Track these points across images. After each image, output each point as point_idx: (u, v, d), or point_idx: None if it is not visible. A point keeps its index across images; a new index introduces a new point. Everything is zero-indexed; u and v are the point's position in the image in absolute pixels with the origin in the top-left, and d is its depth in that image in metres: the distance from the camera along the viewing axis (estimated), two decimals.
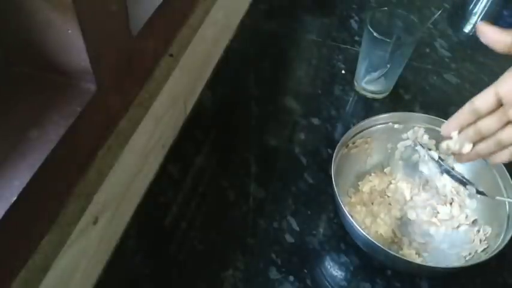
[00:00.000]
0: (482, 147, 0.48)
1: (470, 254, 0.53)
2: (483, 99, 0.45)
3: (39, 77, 0.38)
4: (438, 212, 0.59)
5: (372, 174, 0.62)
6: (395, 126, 0.61)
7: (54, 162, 0.35)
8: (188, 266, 0.55)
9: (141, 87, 0.48)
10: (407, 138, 0.62)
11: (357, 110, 0.72)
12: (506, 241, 0.49)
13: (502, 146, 0.46)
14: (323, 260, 0.56)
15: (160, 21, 0.48)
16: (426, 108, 0.71)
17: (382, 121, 0.60)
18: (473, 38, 0.85)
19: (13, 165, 0.33)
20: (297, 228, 0.58)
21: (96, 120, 0.40)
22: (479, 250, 0.53)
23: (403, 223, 0.59)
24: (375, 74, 0.69)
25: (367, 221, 0.57)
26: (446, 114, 0.58)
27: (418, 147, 0.59)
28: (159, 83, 0.50)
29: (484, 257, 0.49)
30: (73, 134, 0.36)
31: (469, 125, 0.47)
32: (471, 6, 0.92)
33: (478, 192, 0.55)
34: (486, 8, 0.90)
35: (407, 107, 0.71)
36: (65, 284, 0.40)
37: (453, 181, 0.60)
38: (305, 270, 0.55)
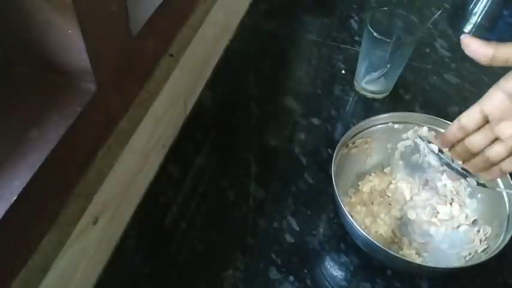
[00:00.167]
0: (472, 164, 0.48)
1: (470, 254, 0.53)
2: (469, 117, 0.46)
3: (39, 77, 0.38)
4: (438, 212, 0.59)
5: (372, 174, 0.62)
6: (395, 126, 0.61)
7: (54, 162, 0.35)
8: (188, 266, 0.55)
9: (141, 87, 0.48)
10: (407, 138, 0.62)
11: (357, 110, 0.72)
12: (506, 241, 0.49)
13: (490, 163, 0.47)
14: (323, 260, 0.56)
15: (160, 21, 0.48)
16: (426, 108, 0.71)
17: (382, 121, 0.60)
18: None
19: (13, 165, 0.33)
20: (297, 228, 0.58)
21: (96, 120, 0.40)
22: (479, 250, 0.52)
23: (403, 223, 0.59)
24: (375, 74, 0.69)
25: (367, 221, 0.57)
26: (446, 114, 0.59)
27: (418, 140, 0.59)
28: (159, 83, 0.50)
29: (484, 257, 0.49)
30: (73, 134, 0.36)
31: (458, 142, 0.48)
32: (471, 6, 0.92)
33: (479, 184, 0.55)
34: (486, 8, 0.90)
35: (407, 107, 0.71)
36: (65, 284, 0.40)
37: (453, 180, 0.59)
38: (305, 270, 0.55)
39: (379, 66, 0.68)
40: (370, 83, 0.71)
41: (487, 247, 0.52)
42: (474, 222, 0.57)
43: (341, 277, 0.55)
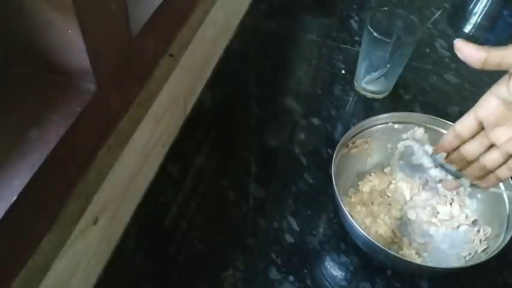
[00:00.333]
0: (468, 172, 0.48)
1: (470, 254, 0.53)
2: (464, 124, 0.46)
3: (39, 77, 0.38)
4: (438, 212, 0.59)
5: (372, 174, 0.62)
6: (395, 126, 0.61)
7: (54, 162, 0.35)
8: (188, 266, 0.55)
9: (141, 87, 0.48)
10: (407, 138, 0.61)
11: (357, 110, 0.72)
12: (506, 241, 0.49)
13: (486, 171, 0.47)
14: (323, 260, 0.56)
15: (160, 21, 0.48)
16: (426, 108, 0.71)
17: (382, 121, 0.60)
18: (474, 38, 0.85)
19: (13, 165, 0.33)
20: (297, 228, 0.58)
21: (96, 120, 0.40)
22: (479, 250, 0.53)
23: (403, 223, 0.59)
24: (375, 74, 0.69)
25: (367, 221, 0.57)
26: (446, 114, 0.59)
27: (412, 143, 0.59)
28: (159, 83, 0.50)
29: (484, 257, 0.49)
30: (73, 134, 0.36)
31: (454, 150, 0.48)
32: (471, 6, 0.92)
33: (473, 185, 0.55)
34: (486, 8, 0.90)
35: (407, 107, 0.71)
36: (65, 284, 0.40)
37: (448, 189, 0.59)
38: (305, 270, 0.55)
39: (379, 66, 0.68)
40: (370, 83, 0.71)
41: (487, 247, 0.52)
42: (474, 222, 0.57)
43: (341, 277, 0.55)
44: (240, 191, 0.61)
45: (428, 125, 0.60)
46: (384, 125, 0.61)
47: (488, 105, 0.43)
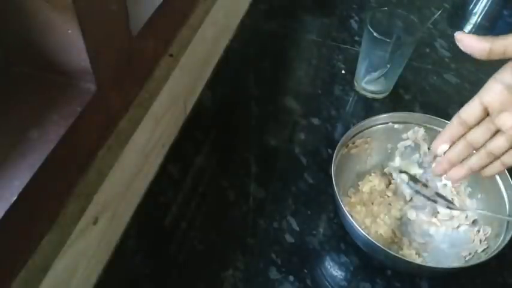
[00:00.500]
0: (474, 160, 0.48)
1: (470, 254, 0.53)
2: (469, 111, 0.45)
3: (39, 77, 0.38)
4: (438, 212, 0.59)
5: (372, 174, 0.62)
6: (395, 126, 0.61)
7: (54, 162, 0.35)
8: (188, 266, 0.55)
9: (141, 87, 0.48)
10: (407, 138, 0.62)
11: (357, 110, 0.72)
12: (506, 241, 0.49)
13: (493, 157, 0.46)
14: (323, 260, 0.56)
15: (160, 21, 0.48)
16: (426, 108, 0.71)
17: (382, 121, 0.60)
18: None
19: (13, 165, 0.33)
20: (297, 228, 0.58)
21: (96, 120, 0.40)
22: (479, 250, 0.53)
23: (403, 223, 0.59)
24: (375, 74, 0.69)
25: (367, 221, 0.57)
26: (446, 114, 0.58)
27: (391, 170, 0.60)
28: (159, 83, 0.50)
29: (484, 257, 0.49)
30: (73, 134, 0.36)
31: (459, 138, 0.48)
32: (471, 6, 0.92)
33: (449, 207, 0.57)
34: (486, 8, 0.90)
35: (407, 107, 0.71)
36: (65, 284, 0.40)
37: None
38: (305, 270, 0.55)
39: (379, 66, 0.68)
40: (370, 83, 0.71)
41: (487, 247, 0.52)
42: (474, 222, 0.57)
43: (341, 277, 0.55)
44: (240, 191, 0.61)
45: (428, 125, 0.60)
46: (383, 125, 0.61)
47: (492, 91, 0.43)
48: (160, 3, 0.47)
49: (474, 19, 0.89)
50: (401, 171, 0.60)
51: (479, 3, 0.91)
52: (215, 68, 0.68)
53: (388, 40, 0.63)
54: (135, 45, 0.44)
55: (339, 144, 0.56)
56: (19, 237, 0.34)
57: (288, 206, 0.60)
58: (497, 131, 0.45)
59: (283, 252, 0.56)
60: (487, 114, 0.45)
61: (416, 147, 0.62)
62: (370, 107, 0.72)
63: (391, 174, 0.63)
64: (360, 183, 0.61)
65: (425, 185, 0.59)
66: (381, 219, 0.58)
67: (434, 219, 0.59)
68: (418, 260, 0.54)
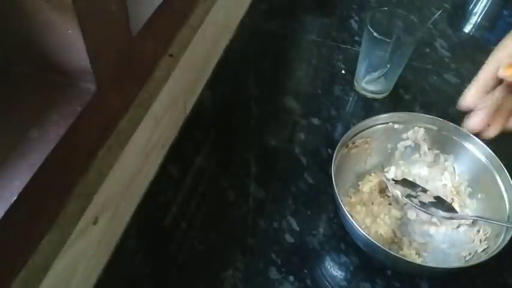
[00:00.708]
0: (496, 122, 0.48)
1: (470, 254, 0.53)
2: (487, 71, 0.46)
3: (39, 77, 0.38)
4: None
5: (372, 174, 0.62)
6: (395, 126, 0.61)
7: (54, 162, 0.35)
8: (188, 266, 0.55)
9: (141, 87, 0.48)
10: (407, 138, 0.62)
11: (357, 110, 0.72)
12: (506, 241, 0.49)
13: None
14: (323, 260, 0.56)
15: (160, 21, 0.48)
16: (426, 108, 0.71)
17: (382, 121, 0.60)
18: (473, 38, 0.85)
19: (13, 165, 0.33)
20: (297, 228, 0.58)
21: (96, 120, 0.40)
22: (479, 250, 0.53)
23: (403, 223, 0.59)
24: (375, 74, 0.69)
25: (367, 221, 0.57)
26: (446, 114, 0.59)
27: (390, 187, 0.60)
28: (159, 83, 0.50)
29: (484, 257, 0.49)
30: (73, 134, 0.36)
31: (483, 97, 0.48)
32: (471, 6, 0.92)
33: (444, 217, 0.57)
34: (486, 8, 0.90)
35: (407, 107, 0.71)
36: (65, 284, 0.40)
37: (453, 181, 0.60)
38: (305, 270, 0.55)
39: (379, 66, 0.68)
40: (370, 83, 0.71)
41: (487, 247, 0.52)
42: (474, 222, 0.57)
43: (341, 277, 0.55)
44: (240, 191, 0.61)
45: (428, 125, 0.60)
46: (383, 125, 0.61)
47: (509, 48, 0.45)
48: (160, 4, 0.47)
49: (474, 19, 0.89)
50: (396, 181, 0.60)
51: (479, 3, 0.91)
52: (215, 68, 0.68)
53: (388, 40, 0.63)
54: (135, 45, 0.44)
55: (339, 144, 0.56)
56: (19, 237, 0.34)
57: (288, 206, 0.60)
58: None
59: (283, 252, 0.56)
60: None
61: (416, 147, 0.62)
62: (370, 107, 0.72)
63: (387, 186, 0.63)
64: (360, 183, 0.61)
65: (424, 190, 0.60)
66: (381, 219, 0.58)
67: (434, 219, 0.59)
68: (418, 260, 0.54)
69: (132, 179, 0.49)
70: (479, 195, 0.58)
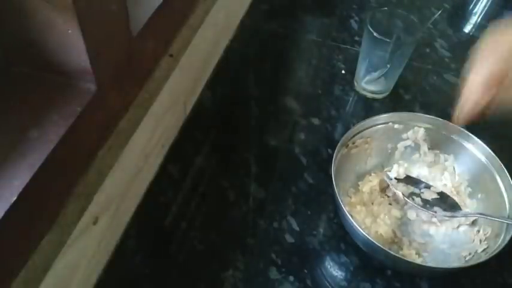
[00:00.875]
0: None
1: (470, 254, 0.53)
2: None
3: (39, 77, 0.38)
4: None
5: (372, 174, 0.62)
6: (395, 126, 0.61)
7: (54, 162, 0.35)
8: (188, 266, 0.55)
9: (141, 87, 0.48)
10: (407, 138, 0.62)
11: (357, 110, 0.72)
12: (506, 241, 0.49)
13: None
14: (323, 260, 0.56)
15: (160, 22, 0.48)
16: (426, 108, 0.71)
17: (382, 121, 0.60)
18: (473, 38, 0.85)
19: (13, 165, 0.33)
20: (297, 228, 0.58)
21: (96, 120, 0.40)
22: (479, 250, 0.53)
23: (403, 223, 0.59)
24: (375, 74, 0.69)
25: (367, 221, 0.57)
26: (446, 114, 0.59)
27: (392, 187, 0.60)
28: (159, 83, 0.50)
29: (484, 257, 0.49)
30: (73, 134, 0.36)
31: None
32: (471, 6, 0.92)
33: (446, 216, 0.57)
34: (486, 8, 0.90)
35: (407, 107, 0.71)
36: (65, 284, 0.40)
37: (453, 181, 0.60)
38: (305, 270, 0.55)
39: (379, 66, 0.68)
40: (370, 83, 0.71)
41: (487, 247, 0.52)
42: (474, 222, 0.57)
43: (341, 277, 0.55)
44: (240, 191, 0.61)
45: (428, 125, 0.60)
46: (383, 125, 0.61)
47: None
48: (160, 4, 0.47)
49: (474, 19, 0.89)
50: (399, 180, 0.60)
51: (479, 3, 0.91)
52: (215, 68, 0.68)
53: (388, 40, 0.63)
54: (135, 45, 0.44)
55: (339, 144, 0.56)
56: (19, 237, 0.34)
57: (288, 206, 0.60)
58: None
59: (283, 252, 0.56)
60: None
61: (416, 147, 0.62)
62: (370, 107, 0.72)
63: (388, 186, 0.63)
64: (360, 183, 0.61)
65: (427, 186, 0.59)
66: (381, 219, 0.58)
67: (434, 219, 0.59)
68: (418, 260, 0.54)
69: (132, 179, 0.49)
70: (479, 195, 0.58)
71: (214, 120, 0.70)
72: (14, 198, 0.31)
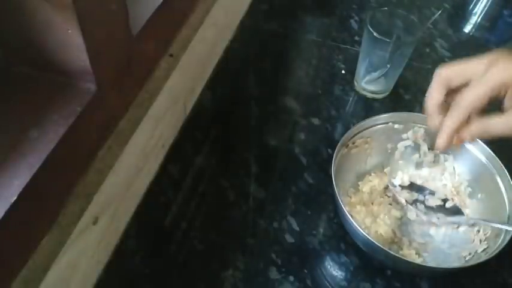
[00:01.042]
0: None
1: (470, 254, 0.53)
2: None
3: (39, 77, 0.38)
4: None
5: (372, 174, 0.62)
6: (395, 126, 0.61)
7: (54, 162, 0.35)
8: (188, 266, 0.55)
9: (141, 87, 0.48)
10: (407, 138, 0.62)
11: (357, 110, 0.72)
12: (506, 241, 0.49)
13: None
14: (323, 260, 0.56)
15: (160, 21, 0.48)
16: None
17: (382, 121, 0.60)
18: (473, 38, 0.85)
19: (13, 165, 0.33)
20: (297, 228, 0.58)
21: (96, 120, 0.40)
22: (479, 250, 0.53)
23: (403, 223, 0.59)
24: (375, 74, 0.69)
25: (367, 221, 0.57)
26: None
27: (396, 194, 0.60)
28: (159, 83, 0.50)
29: (484, 257, 0.49)
30: (73, 134, 0.36)
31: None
32: (471, 6, 0.92)
33: (449, 222, 0.57)
34: (486, 8, 0.90)
35: (407, 107, 0.71)
36: (65, 284, 0.40)
37: (453, 181, 0.60)
38: (305, 270, 0.55)
39: (379, 66, 0.68)
40: (370, 83, 0.71)
41: (487, 247, 0.52)
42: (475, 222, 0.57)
43: (341, 277, 0.55)
44: (240, 191, 0.61)
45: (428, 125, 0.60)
46: (383, 125, 0.61)
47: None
48: (160, 4, 0.47)
49: (474, 19, 0.89)
50: (403, 187, 0.60)
51: (479, 3, 0.91)
52: (215, 68, 0.68)
53: (388, 40, 0.63)
54: (135, 45, 0.44)
55: (339, 144, 0.56)
56: (19, 237, 0.34)
57: (288, 206, 0.60)
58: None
59: (283, 252, 0.56)
60: None
61: (416, 147, 0.62)
62: (370, 107, 0.72)
63: (391, 174, 0.63)
64: (360, 183, 0.61)
65: (432, 193, 0.60)
66: (381, 219, 0.58)
67: (434, 219, 0.59)
68: (418, 260, 0.54)
69: (132, 179, 0.49)
70: (479, 195, 0.58)
71: (214, 120, 0.70)
72: (14, 198, 0.31)
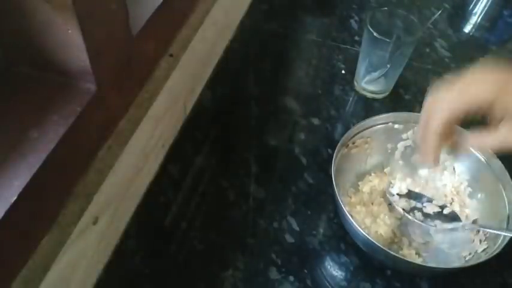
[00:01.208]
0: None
1: (470, 254, 0.53)
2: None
3: (39, 77, 0.38)
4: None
5: (372, 174, 0.62)
6: (395, 126, 0.61)
7: (54, 162, 0.35)
8: (188, 266, 0.55)
9: (141, 87, 0.48)
10: (407, 138, 0.62)
11: (357, 110, 0.72)
12: (506, 241, 0.49)
13: None
14: (323, 260, 0.56)
15: (160, 21, 0.48)
16: None
17: (382, 121, 0.60)
18: (473, 38, 0.85)
19: (13, 165, 0.33)
20: (297, 228, 0.58)
21: (96, 120, 0.40)
22: (479, 250, 0.53)
23: (403, 223, 0.59)
24: (375, 74, 0.69)
25: (367, 221, 0.57)
26: None
27: (388, 194, 0.60)
28: (159, 83, 0.50)
29: (484, 257, 0.49)
30: (73, 134, 0.36)
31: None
32: (471, 6, 0.92)
33: (446, 228, 0.57)
34: (486, 8, 0.90)
35: (407, 107, 0.71)
36: (65, 284, 0.40)
37: (453, 181, 0.60)
38: (305, 270, 0.55)
39: (379, 66, 0.68)
40: (370, 83, 0.71)
41: (487, 247, 0.52)
42: (474, 222, 0.57)
43: (341, 277, 0.55)
44: (240, 191, 0.61)
45: None
46: (383, 125, 0.61)
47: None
48: (160, 4, 0.47)
49: (474, 19, 0.89)
50: (401, 196, 0.60)
51: (479, 3, 0.91)
52: (215, 68, 0.68)
53: (388, 40, 0.63)
54: (135, 45, 0.44)
55: (339, 144, 0.56)
56: (19, 237, 0.34)
57: (288, 206, 0.60)
58: None
59: (283, 252, 0.56)
60: None
61: (416, 147, 0.62)
62: (370, 107, 0.72)
63: (391, 174, 0.63)
64: (360, 183, 0.61)
65: (429, 200, 0.60)
66: (381, 219, 0.58)
67: (432, 229, 0.58)
68: (418, 260, 0.54)
69: (132, 179, 0.49)
70: (479, 195, 0.58)
71: (214, 120, 0.70)
72: (14, 198, 0.31)
